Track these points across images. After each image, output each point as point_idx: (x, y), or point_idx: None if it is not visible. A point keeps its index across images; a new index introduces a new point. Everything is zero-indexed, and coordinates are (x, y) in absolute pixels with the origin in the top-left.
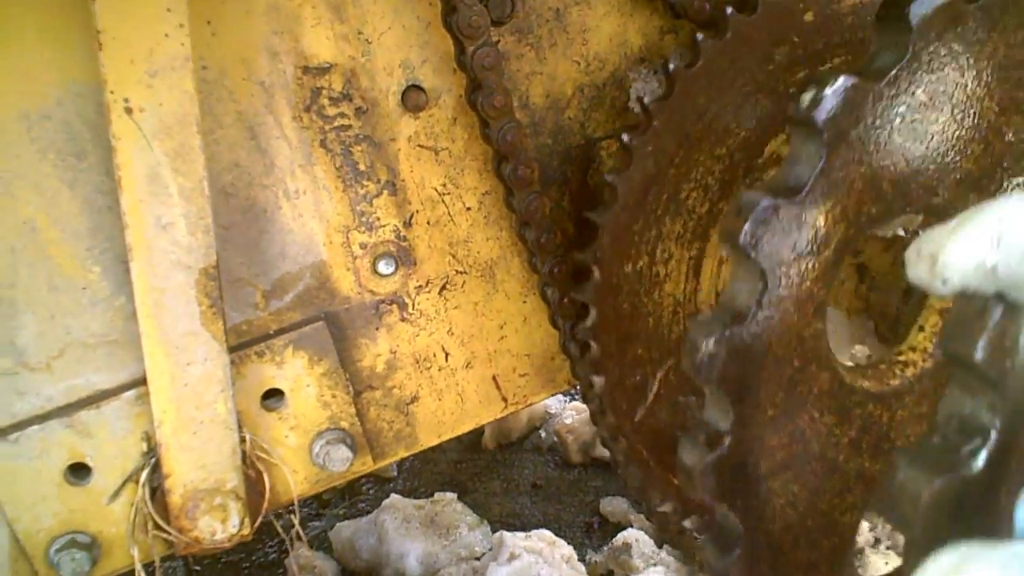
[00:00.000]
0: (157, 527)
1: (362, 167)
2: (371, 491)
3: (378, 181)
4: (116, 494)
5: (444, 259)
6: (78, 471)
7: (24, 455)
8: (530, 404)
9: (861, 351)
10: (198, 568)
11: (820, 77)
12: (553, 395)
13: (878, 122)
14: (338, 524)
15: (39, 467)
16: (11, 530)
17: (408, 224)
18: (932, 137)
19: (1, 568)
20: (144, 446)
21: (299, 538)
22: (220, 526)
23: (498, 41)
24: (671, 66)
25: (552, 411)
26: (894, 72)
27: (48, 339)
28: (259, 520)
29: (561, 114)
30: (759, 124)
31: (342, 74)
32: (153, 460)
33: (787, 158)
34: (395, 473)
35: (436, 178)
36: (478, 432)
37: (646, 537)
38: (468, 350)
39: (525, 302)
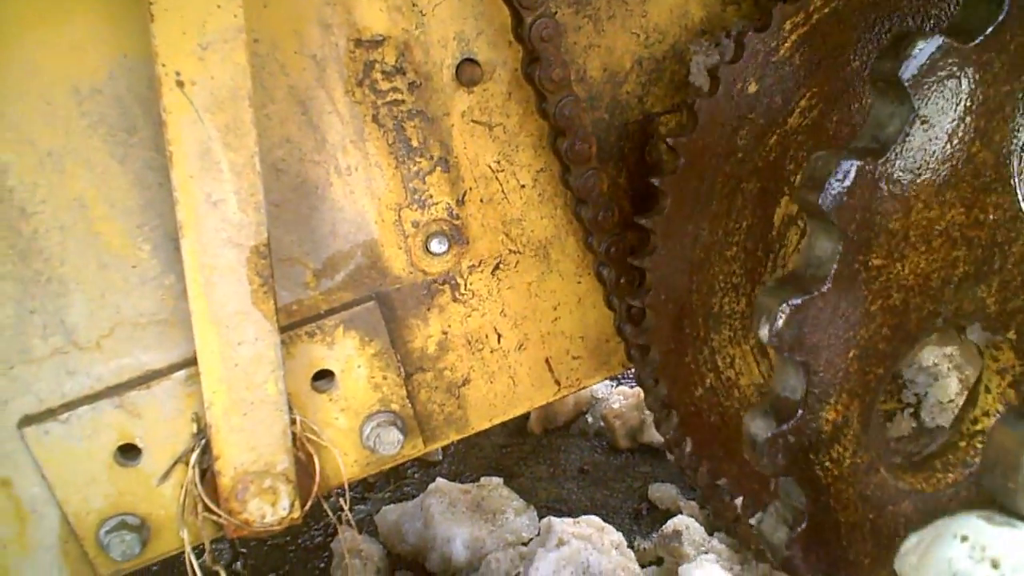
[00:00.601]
0: (207, 509)
1: (415, 143)
2: (416, 475)
3: (431, 158)
4: (166, 476)
5: (497, 238)
6: (128, 452)
7: (74, 436)
8: (583, 387)
9: (951, 352)
10: (244, 551)
11: (765, 303)
12: (606, 378)
13: (847, 317)
14: (384, 508)
15: (89, 448)
16: (61, 511)
17: (461, 202)
18: (907, 282)
19: (51, 549)
20: (194, 427)
21: (348, 523)
22: (270, 509)
23: (556, 12)
24: (643, 221)
25: (599, 396)
26: (834, 269)
27: (97, 318)
28: (309, 503)
29: (619, 88)
30: (757, 206)
31: (395, 47)
32: (203, 441)
33: (775, 374)
34: (440, 457)
35: (490, 154)
36: (524, 416)
37: (696, 524)
38: (521, 331)
39: (579, 282)
